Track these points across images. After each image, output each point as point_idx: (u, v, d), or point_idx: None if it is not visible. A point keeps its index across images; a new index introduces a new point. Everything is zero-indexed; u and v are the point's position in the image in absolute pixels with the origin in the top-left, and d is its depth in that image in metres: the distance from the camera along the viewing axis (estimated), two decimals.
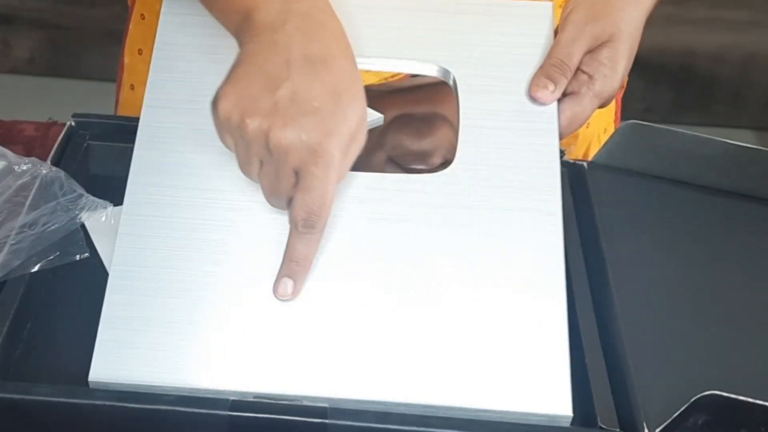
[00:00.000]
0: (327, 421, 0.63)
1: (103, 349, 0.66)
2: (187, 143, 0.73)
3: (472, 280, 0.69)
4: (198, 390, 0.65)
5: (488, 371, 0.66)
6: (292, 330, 0.67)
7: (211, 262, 0.69)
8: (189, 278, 0.68)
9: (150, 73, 0.75)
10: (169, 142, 0.73)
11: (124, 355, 0.66)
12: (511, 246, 0.70)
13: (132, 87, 1.01)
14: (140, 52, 0.99)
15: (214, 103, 0.66)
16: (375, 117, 0.77)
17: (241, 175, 0.69)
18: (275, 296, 0.68)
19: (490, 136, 0.74)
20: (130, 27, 1.00)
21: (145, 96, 0.75)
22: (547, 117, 0.75)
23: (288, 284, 0.68)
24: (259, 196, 0.69)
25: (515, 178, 0.72)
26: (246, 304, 0.68)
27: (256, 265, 0.69)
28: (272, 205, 0.69)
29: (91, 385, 0.65)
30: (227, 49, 0.71)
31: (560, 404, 0.65)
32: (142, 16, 0.99)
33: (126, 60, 1.01)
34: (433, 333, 0.67)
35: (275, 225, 0.70)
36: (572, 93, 0.77)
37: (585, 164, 0.83)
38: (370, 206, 0.71)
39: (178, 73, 0.75)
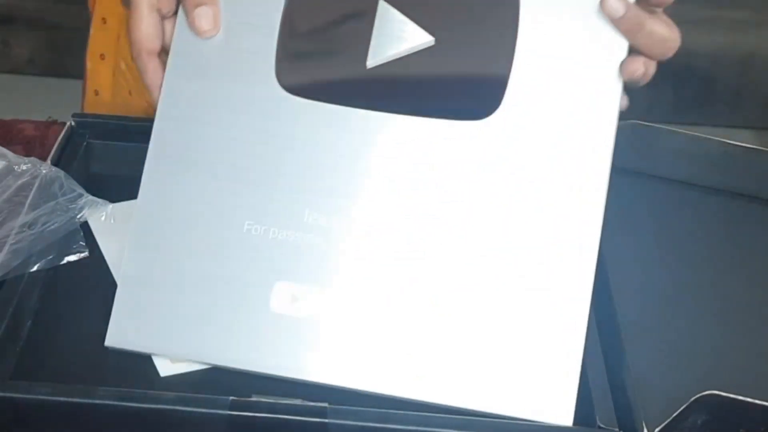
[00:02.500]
0: (327, 420, 0.63)
1: (120, 313, 0.67)
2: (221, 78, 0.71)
3: (494, 269, 0.66)
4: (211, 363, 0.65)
5: (495, 372, 0.65)
6: (311, 313, 0.67)
7: (237, 223, 0.68)
8: (217, 239, 0.68)
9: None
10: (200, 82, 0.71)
11: (142, 322, 0.66)
12: (542, 239, 0.66)
13: (96, 92, 0.99)
14: (102, 57, 0.98)
15: None
16: (424, 40, 0.72)
17: (273, 112, 0.68)
18: (196, 34, 0.68)
19: (545, 77, 0.68)
20: (92, 32, 0.99)
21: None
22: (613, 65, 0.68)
23: (204, 14, 0.68)
24: (288, 141, 0.68)
25: (564, 142, 0.67)
26: (268, 277, 0.67)
27: (284, 227, 0.68)
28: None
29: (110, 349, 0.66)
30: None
31: (562, 414, 0.64)
32: (104, 20, 0.98)
33: (88, 65, 1.00)
34: (444, 325, 0.66)
35: (306, 174, 0.68)
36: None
37: None
38: (398, 152, 0.68)
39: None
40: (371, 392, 0.65)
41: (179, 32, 0.70)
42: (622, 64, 0.67)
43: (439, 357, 0.66)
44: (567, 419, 0.64)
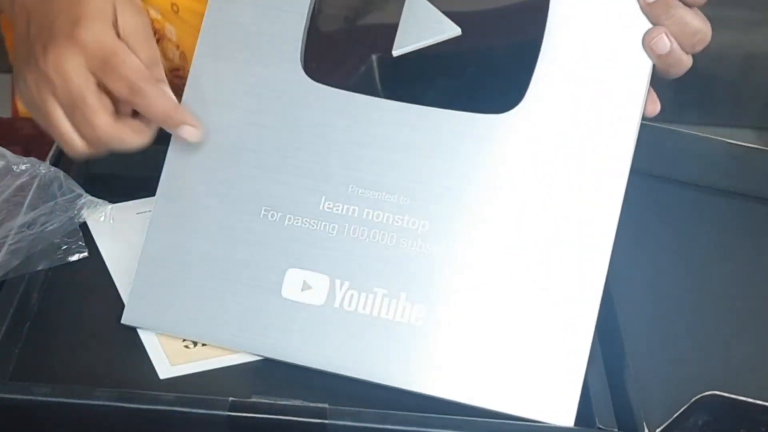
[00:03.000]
0: (326, 421, 0.62)
1: (138, 292, 0.68)
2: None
3: (506, 266, 0.66)
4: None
5: (499, 369, 0.65)
6: (321, 301, 0.67)
7: (257, 206, 0.69)
8: (235, 223, 0.69)
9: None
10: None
11: (158, 302, 0.68)
12: (556, 237, 0.66)
13: None
14: None
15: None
16: (451, 31, 0.71)
17: (297, 100, 0.69)
18: (183, 139, 0.69)
19: (570, 73, 0.68)
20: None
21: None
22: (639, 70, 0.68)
23: (187, 130, 0.69)
24: (311, 129, 0.69)
25: (583, 139, 0.67)
26: (288, 260, 0.68)
27: (304, 213, 0.68)
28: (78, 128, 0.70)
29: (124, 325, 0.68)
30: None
31: (563, 415, 0.64)
32: None
33: None
34: (452, 319, 0.66)
35: (330, 161, 0.69)
36: None
37: None
38: (420, 143, 0.68)
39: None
40: (374, 383, 0.66)
41: (209, 15, 0.71)
42: (646, 35, 0.67)
43: (445, 352, 0.66)
44: (568, 420, 0.64)
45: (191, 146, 0.70)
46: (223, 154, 0.69)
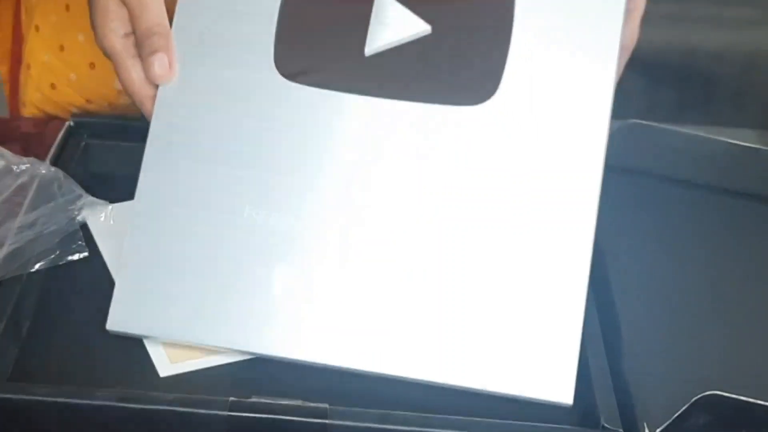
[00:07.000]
0: (327, 421, 0.62)
1: (121, 297, 0.67)
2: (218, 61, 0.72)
3: (490, 251, 0.67)
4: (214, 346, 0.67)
5: (492, 349, 0.65)
6: (314, 291, 0.67)
7: (239, 205, 0.69)
8: (214, 222, 0.68)
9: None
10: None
11: (143, 305, 0.67)
12: (538, 219, 0.67)
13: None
14: (62, 48, 0.98)
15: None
16: (421, 29, 0.72)
17: (271, 98, 0.69)
18: (151, 81, 0.70)
19: (542, 65, 0.69)
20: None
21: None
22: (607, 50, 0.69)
23: (158, 59, 0.69)
24: (286, 127, 0.69)
25: (557, 128, 0.68)
26: (272, 257, 0.68)
27: (287, 211, 0.68)
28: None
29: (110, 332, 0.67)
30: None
31: (562, 392, 0.65)
32: (37, 28, 0.98)
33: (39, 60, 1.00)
34: (441, 305, 0.66)
35: (308, 160, 0.69)
36: None
37: None
38: (401, 138, 0.69)
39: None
40: (369, 372, 0.66)
41: (178, 20, 0.71)
42: None
43: (438, 336, 0.66)
44: (567, 397, 0.64)
45: (169, 149, 0.70)
46: (202, 156, 0.69)
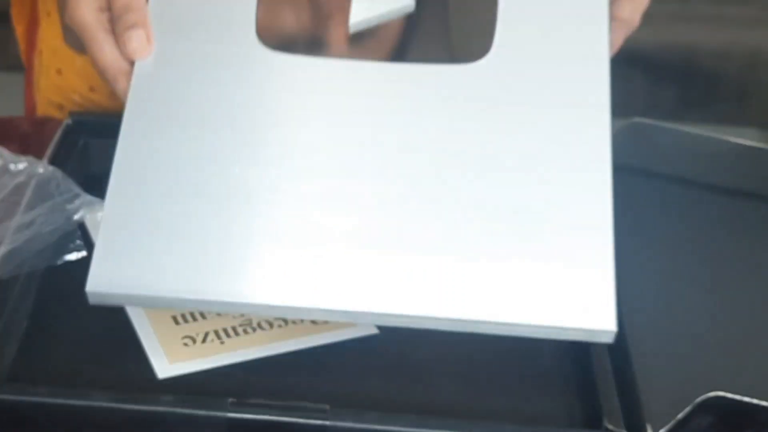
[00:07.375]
0: (327, 422, 0.62)
1: (102, 257, 0.65)
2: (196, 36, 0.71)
3: (509, 187, 0.65)
4: (205, 301, 0.64)
5: (523, 281, 0.63)
6: (310, 235, 0.65)
7: (222, 163, 0.67)
8: (197, 180, 0.67)
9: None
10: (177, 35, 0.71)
11: (125, 263, 0.64)
12: (554, 151, 0.66)
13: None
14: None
15: None
16: (406, 3, 0.72)
17: (254, 67, 0.68)
18: (127, 56, 0.68)
19: (533, 19, 0.68)
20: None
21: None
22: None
23: (136, 34, 0.68)
24: (271, 94, 0.68)
25: (559, 73, 0.67)
26: (257, 209, 0.66)
27: (272, 167, 0.67)
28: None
29: (89, 297, 0.64)
30: None
31: (604, 319, 0.62)
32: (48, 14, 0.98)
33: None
34: (466, 238, 0.64)
35: (295, 123, 0.68)
36: None
37: None
38: (392, 100, 0.68)
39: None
40: (397, 314, 0.63)
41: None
42: None
43: (469, 274, 0.63)
44: (610, 324, 0.62)
45: (148, 119, 0.68)
46: (182, 126, 0.68)
